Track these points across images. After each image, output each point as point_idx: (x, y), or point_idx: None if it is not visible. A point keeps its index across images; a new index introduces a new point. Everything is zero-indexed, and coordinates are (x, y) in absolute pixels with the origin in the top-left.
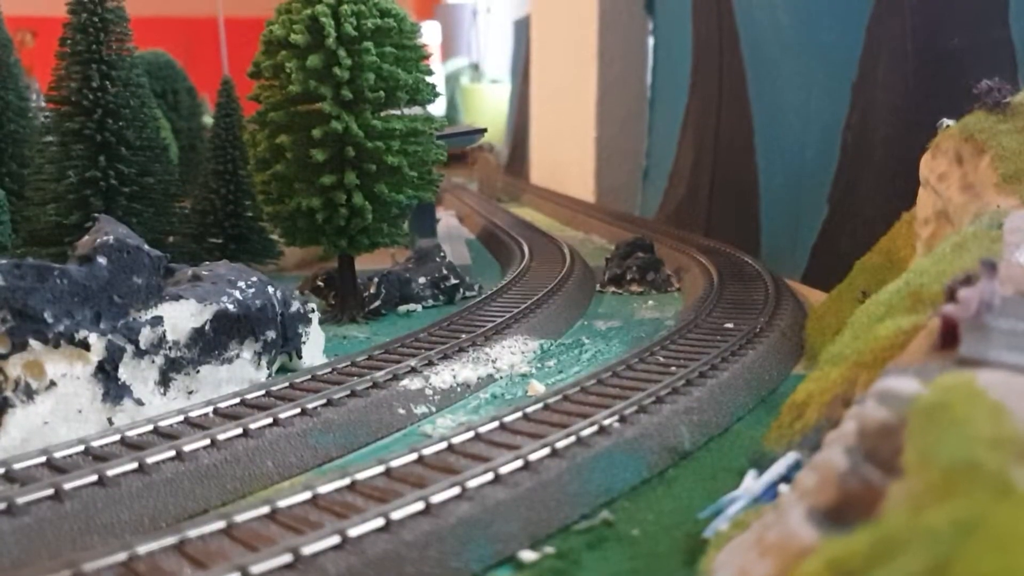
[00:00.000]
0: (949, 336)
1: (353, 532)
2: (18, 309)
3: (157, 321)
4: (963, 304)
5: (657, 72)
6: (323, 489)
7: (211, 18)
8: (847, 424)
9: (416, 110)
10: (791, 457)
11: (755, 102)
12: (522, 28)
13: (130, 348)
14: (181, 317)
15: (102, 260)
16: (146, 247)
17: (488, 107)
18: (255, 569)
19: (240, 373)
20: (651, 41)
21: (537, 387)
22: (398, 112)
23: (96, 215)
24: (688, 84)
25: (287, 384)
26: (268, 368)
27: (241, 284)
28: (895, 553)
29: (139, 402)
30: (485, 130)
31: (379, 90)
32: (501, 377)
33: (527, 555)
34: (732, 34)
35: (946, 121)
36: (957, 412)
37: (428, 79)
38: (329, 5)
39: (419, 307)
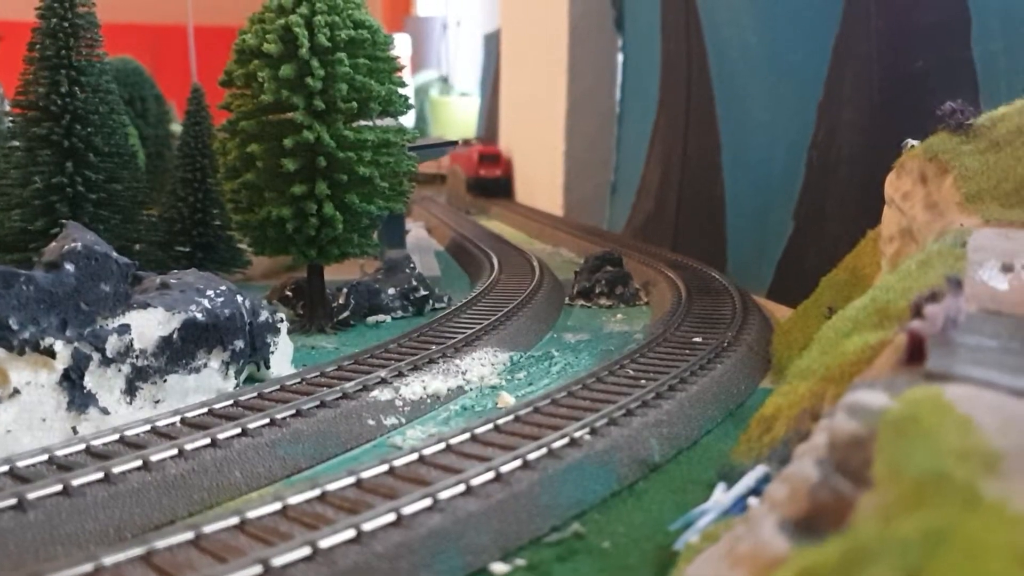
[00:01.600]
0: (916, 351)
1: (324, 543)
2: None
3: (124, 329)
4: (929, 320)
5: (626, 88)
6: (293, 500)
7: (177, 25)
8: (817, 437)
9: (388, 121)
10: (760, 470)
11: (723, 119)
12: (492, 42)
13: (96, 356)
14: (149, 325)
15: (69, 267)
16: (114, 254)
17: (457, 120)
18: None
19: (208, 383)
20: (620, 57)
21: (507, 399)
22: (370, 123)
23: (63, 221)
24: (656, 100)
25: (255, 394)
26: (236, 378)
27: (210, 293)
28: (866, 563)
29: (104, 411)
30: (456, 143)
31: (352, 101)
32: (471, 389)
33: (498, 567)
34: (700, 52)
35: (911, 141)
36: (926, 425)
37: (401, 91)
38: (303, 15)
39: (388, 318)
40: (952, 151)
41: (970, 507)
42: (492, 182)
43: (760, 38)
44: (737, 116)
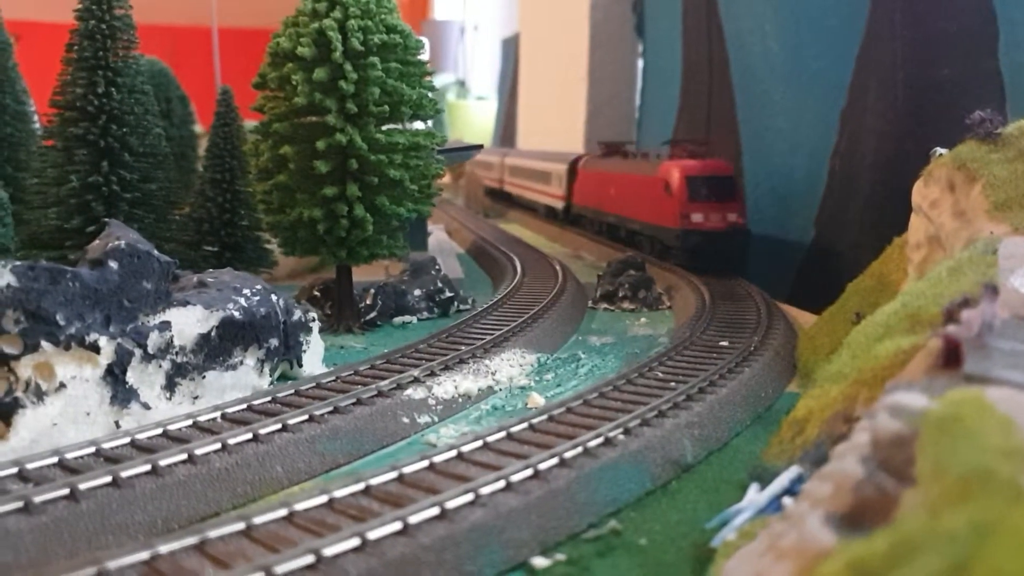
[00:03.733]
0: (952, 355)
1: (372, 535)
2: (31, 311)
3: (165, 326)
4: (966, 325)
5: (646, 94)
6: (339, 493)
7: (196, 27)
8: (858, 436)
9: (418, 125)
10: (793, 471)
11: (743, 126)
12: (510, 46)
13: (138, 352)
14: (188, 323)
15: (113, 264)
16: (156, 252)
17: (474, 123)
18: (279, 569)
19: (243, 380)
20: (640, 63)
21: (537, 399)
22: (400, 127)
23: (105, 220)
24: (676, 106)
25: (292, 391)
26: (270, 375)
27: (246, 291)
28: (914, 554)
29: (146, 406)
30: (482, 146)
31: (383, 104)
32: (501, 389)
33: (539, 561)
34: (722, 59)
35: (939, 150)
36: (969, 424)
37: (430, 95)
38: (336, 20)
39: (414, 319)
40: (980, 160)
41: (1015, 501)
42: (723, 239)
43: (783, 46)
44: (758, 123)
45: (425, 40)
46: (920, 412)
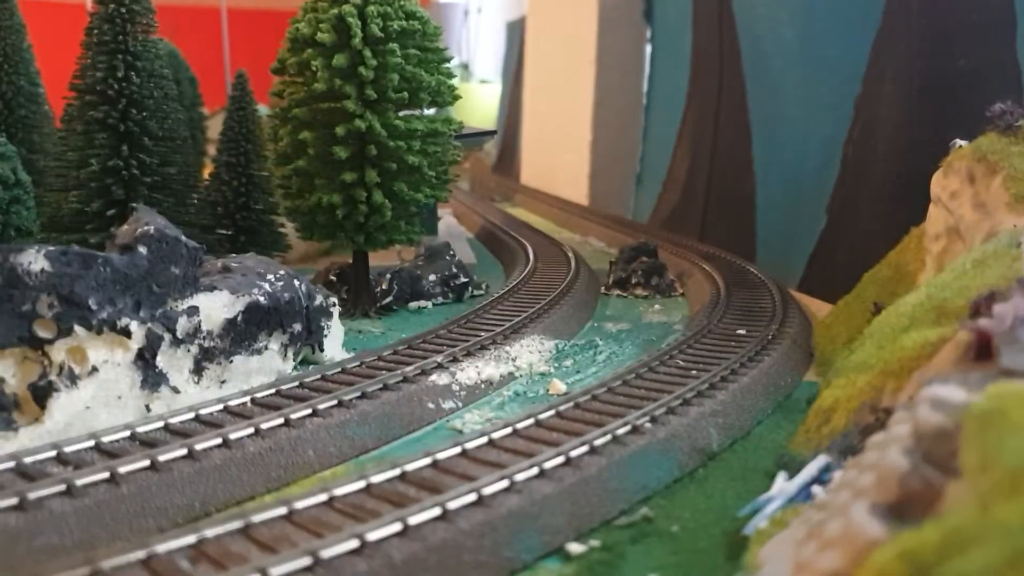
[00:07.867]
0: (983, 349)
1: (413, 520)
2: (64, 295)
3: (193, 311)
4: (998, 319)
5: (654, 79)
6: (376, 479)
7: (200, 7)
8: (898, 428)
9: (435, 111)
10: (821, 460)
11: (754, 112)
12: (515, 29)
13: (168, 337)
14: (215, 308)
15: (143, 249)
16: (184, 238)
17: (477, 107)
18: (324, 554)
19: (268, 364)
20: (649, 48)
21: (559, 386)
22: (419, 113)
23: (125, 203)
24: (685, 92)
25: (319, 376)
26: (293, 360)
27: (270, 277)
28: (967, 546)
29: (175, 390)
30: (495, 132)
31: (402, 91)
32: (522, 375)
33: (574, 547)
34: (733, 45)
35: (959, 141)
36: (1014, 418)
37: (450, 82)
38: (356, 5)
39: (429, 304)
40: (1001, 152)
41: None
42: None
43: (797, 33)
44: (770, 109)
45: None
46: (962, 406)
